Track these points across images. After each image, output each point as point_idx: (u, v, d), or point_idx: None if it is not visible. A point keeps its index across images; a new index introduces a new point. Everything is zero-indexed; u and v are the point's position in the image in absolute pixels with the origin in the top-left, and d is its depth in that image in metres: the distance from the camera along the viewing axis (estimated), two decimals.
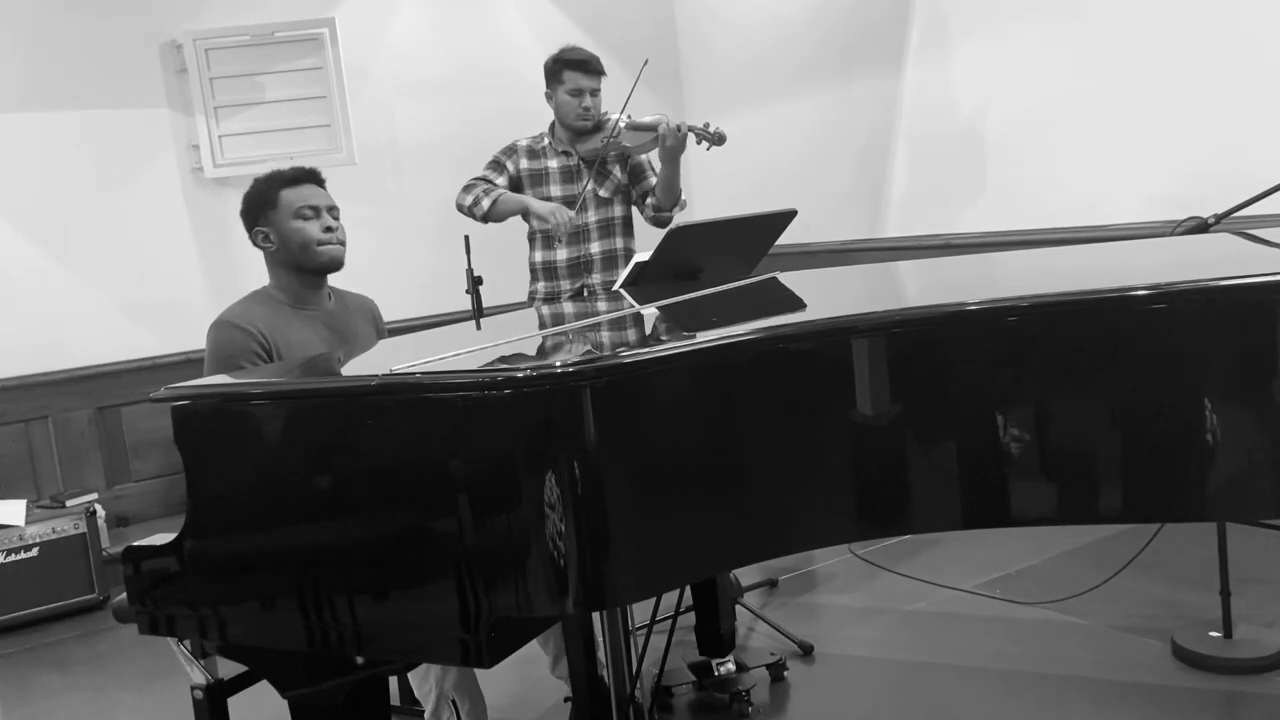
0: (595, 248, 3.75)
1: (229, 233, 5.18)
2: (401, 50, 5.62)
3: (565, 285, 3.76)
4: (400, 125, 5.63)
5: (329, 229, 2.60)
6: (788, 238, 2.95)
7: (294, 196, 2.59)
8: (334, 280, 2.73)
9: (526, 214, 3.71)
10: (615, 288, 3.07)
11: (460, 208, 3.76)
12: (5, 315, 4.81)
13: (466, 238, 3.30)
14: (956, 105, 4.86)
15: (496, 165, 3.78)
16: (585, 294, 3.74)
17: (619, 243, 3.79)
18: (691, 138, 3.59)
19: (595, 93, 3.71)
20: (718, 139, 3.60)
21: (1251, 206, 2.77)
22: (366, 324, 2.77)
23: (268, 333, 2.51)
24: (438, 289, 4.85)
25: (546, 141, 3.77)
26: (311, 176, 2.65)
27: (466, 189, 3.75)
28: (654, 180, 3.79)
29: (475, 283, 3.32)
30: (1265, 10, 3.75)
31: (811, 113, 5.56)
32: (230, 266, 5.17)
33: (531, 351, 2.10)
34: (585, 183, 3.68)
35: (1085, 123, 4.35)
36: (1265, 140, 3.76)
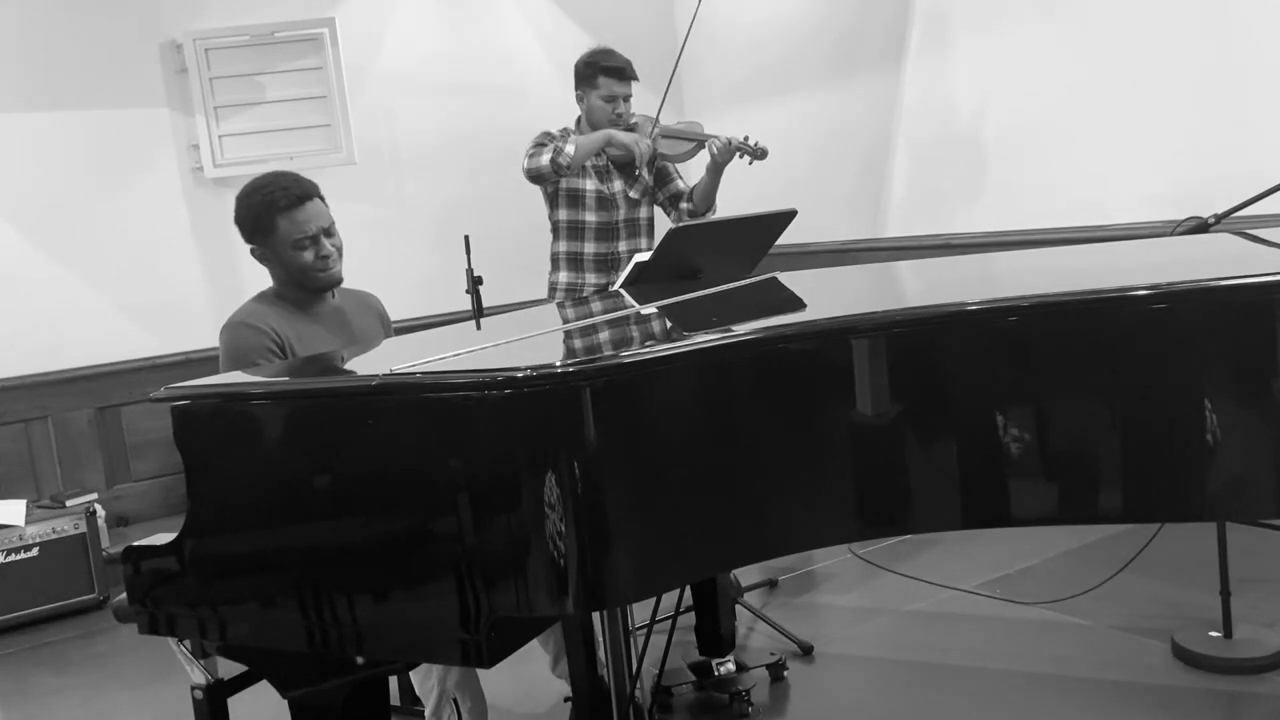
0: (623, 246, 3.82)
1: (229, 233, 5.12)
2: (401, 50, 5.62)
3: (591, 279, 3.80)
4: (400, 125, 5.63)
5: (324, 256, 2.60)
6: (788, 238, 2.95)
7: (290, 227, 2.56)
8: None
9: (609, 146, 3.69)
10: (615, 288, 3.07)
11: (537, 170, 3.63)
12: (5, 315, 4.81)
13: (466, 238, 3.29)
14: (957, 105, 4.85)
15: (548, 136, 3.74)
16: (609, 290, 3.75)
17: (643, 243, 3.87)
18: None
19: (628, 99, 3.78)
20: (760, 154, 3.80)
21: (1251, 206, 2.77)
22: (372, 319, 2.80)
23: (280, 329, 2.53)
24: (438, 289, 4.86)
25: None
26: (306, 196, 2.59)
27: (537, 148, 3.64)
28: (681, 185, 3.94)
29: (475, 283, 3.31)
30: (1265, 10, 3.75)
31: (812, 113, 5.56)
32: (230, 266, 5.16)
33: (531, 351, 2.10)
34: (639, 169, 3.75)
35: (1085, 123, 4.34)
36: (1265, 140, 3.76)
